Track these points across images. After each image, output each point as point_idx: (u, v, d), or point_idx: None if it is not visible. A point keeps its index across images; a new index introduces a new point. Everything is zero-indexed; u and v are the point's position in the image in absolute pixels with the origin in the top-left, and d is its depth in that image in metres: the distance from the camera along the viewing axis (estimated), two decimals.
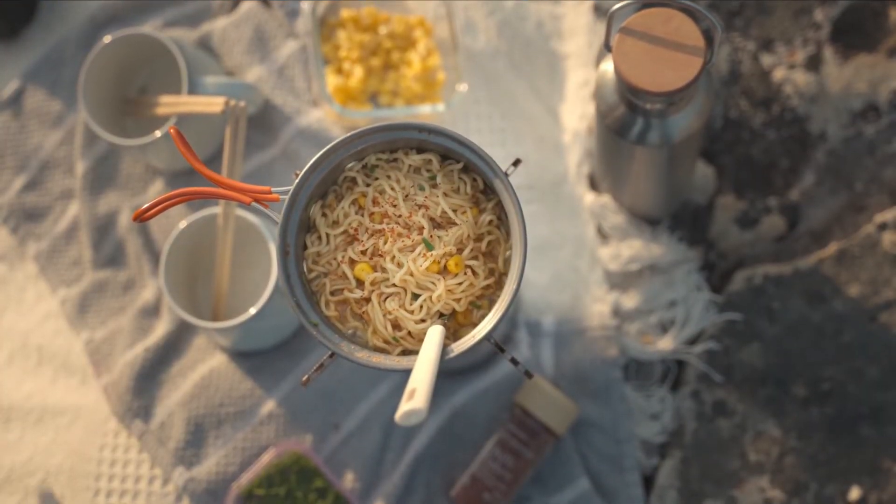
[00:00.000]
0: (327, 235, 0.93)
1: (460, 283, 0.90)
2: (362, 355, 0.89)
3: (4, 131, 1.35)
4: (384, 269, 0.91)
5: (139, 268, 1.29)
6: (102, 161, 1.32)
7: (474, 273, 0.91)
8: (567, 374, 1.23)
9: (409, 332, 0.90)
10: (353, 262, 0.92)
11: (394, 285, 0.91)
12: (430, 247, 0.91)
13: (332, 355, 0.90)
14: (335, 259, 0.92)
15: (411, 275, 0.90)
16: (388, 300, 0.91)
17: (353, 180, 0.94)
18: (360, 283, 0.92)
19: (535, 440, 1.17)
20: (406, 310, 0.90)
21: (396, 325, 0.91)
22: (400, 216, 0.92)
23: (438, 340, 0.86)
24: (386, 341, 0.91)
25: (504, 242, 0.93)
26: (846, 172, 1.27)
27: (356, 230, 0.92)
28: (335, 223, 0.93)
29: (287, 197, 0.90)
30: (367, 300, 0.91)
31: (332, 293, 0.93)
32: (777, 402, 1.20)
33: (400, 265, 0.91)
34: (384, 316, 0.91)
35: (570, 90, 1.32)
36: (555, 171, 1.30)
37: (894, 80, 1.27)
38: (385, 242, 0.91)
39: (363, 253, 0.92)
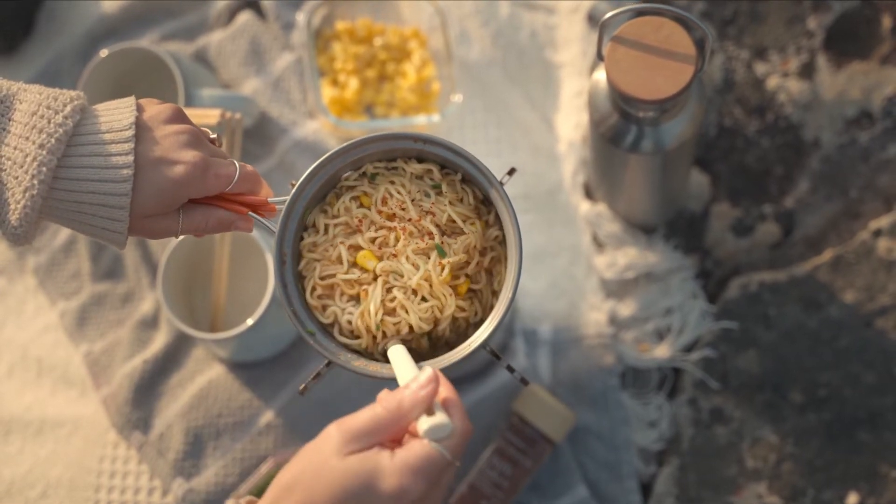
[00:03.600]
0: (326, 226, 0.93)
1: (464, 311, 0.91)
2: (359, 364, 0.89)
3: None
4: (395, 266, 0.91)
5: (137, 280, 1.30)
6: None
7: (479, 299, 0.92)
8: (564, 381, 1.23)
9: (409, 326, 0.90)
10: (355, 249, 0.92)
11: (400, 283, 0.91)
12: (442, 253, 0.91)
13: (328, 364, 0.90)
14: (332, 246, 0.92)
15: (428, 281, 0.90)
16: (393, 289, 0.91)
17: (353, 188, 0.95)
18: (356, 267, 0.92)
19: (532, 448, 1.17)
20: (413, 304, 0.90)
21: (390, 312, 0.91)
22: (409, 219, 0.92)
23: (405, 355, 0.87)
24: (367, 328, 0.91)
25: (504, 262, 0.94)
26: (841, 179, 1.27)
27: (360, 221, 0.92)
28: (334, 216, 0.94)
29: (284, 207, 0.91)
30: (371, 281, 0.92)
31: (321, 277, 0.93)
32: (774, 409, 1.21)
33: (416, 267, 0.91)
34: (382, 301, 0.91)
35: (564, 99, 1.32)
36: (550, 180, 1.30)
37: (888, 87, 1.28)
38: (397, 241, 0.92)
39: (372, 241, 0.92)
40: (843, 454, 1.19)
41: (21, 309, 1.33)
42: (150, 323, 1.29)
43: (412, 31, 1.34)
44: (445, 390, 0.80)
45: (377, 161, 0.95)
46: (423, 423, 0.76)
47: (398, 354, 0.86)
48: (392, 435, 0.78)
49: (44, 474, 1.25)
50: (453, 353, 0.89)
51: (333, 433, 0.77)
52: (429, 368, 0.79)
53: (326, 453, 0.76)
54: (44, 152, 0.81)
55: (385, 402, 0.78)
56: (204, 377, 1.26)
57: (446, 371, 0.88)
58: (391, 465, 0.75)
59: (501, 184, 0.90)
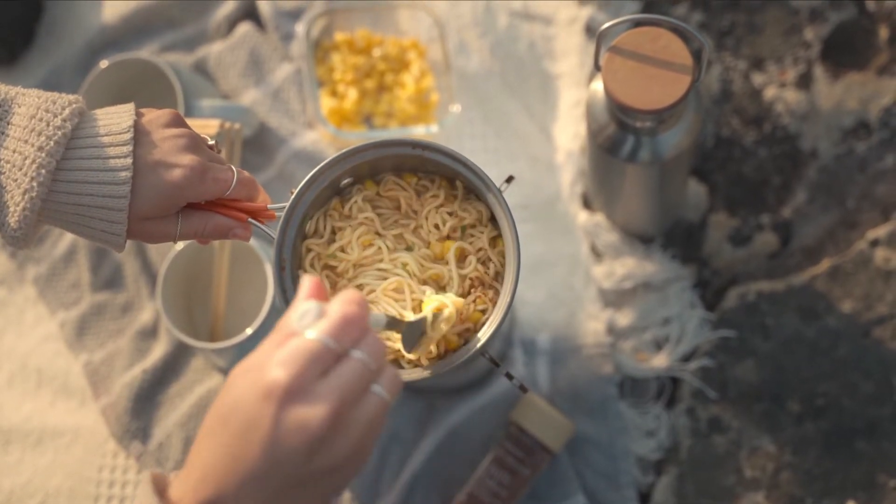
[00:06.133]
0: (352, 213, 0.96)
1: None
2: None
3: None
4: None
5: (137, 290, 1.30)
6: None
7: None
8: (562, 391, 1.23)
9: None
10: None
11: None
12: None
13: None
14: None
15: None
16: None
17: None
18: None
19: (531, 457, 1.17)
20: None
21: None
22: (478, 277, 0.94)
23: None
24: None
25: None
26: (838, 189, 1.27)
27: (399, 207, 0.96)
28: (347, 217, 0.96)
29: (283, 214, 0.92)
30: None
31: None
32: (772, 418, 1.21)
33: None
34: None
35: (562, 110, 1.33)
36: (548, 190, 1.30)
37: (884, 98, 1.28)
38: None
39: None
40: (841, 463, 1.19)
41: (21, 319, 1.33)
42: (150, 333, 1.29)
43: (411, 42, 1.34)
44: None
45: (390, 169, 0.96)
46: (293, 317, 0.70)
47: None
48: None
49: (43, 484, 1.25)
50: (451, 358, 0.89)
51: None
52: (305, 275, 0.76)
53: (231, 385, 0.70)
54: (43, 154, 0.82)
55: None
56: (203, 387, 1.26)
57: (446, 380, 0.88)
58: (258, 363, 0.68)
59: (500, 190, 0.91)
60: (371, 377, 0.69)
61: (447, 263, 0.93)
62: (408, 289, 0.91)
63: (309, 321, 0.69)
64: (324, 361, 0.67)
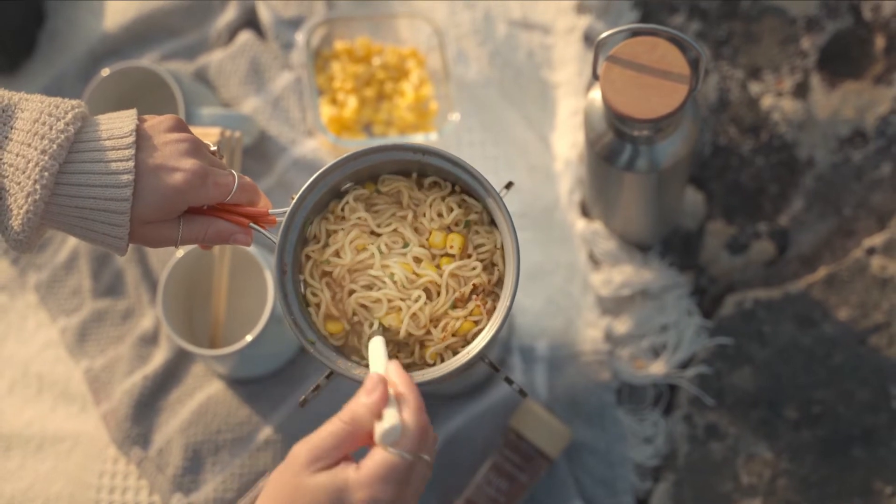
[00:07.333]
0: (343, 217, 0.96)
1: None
2: (359, 372, 0.90)
3: None
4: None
5: (138, 297, 1.31)
6: None
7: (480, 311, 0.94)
8: (560, 398, 1.24)
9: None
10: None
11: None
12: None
13: (328, 375, 0.91)
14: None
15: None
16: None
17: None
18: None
19: (529, 464, 1.18)
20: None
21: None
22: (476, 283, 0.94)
23: (383, 350, 0.88)
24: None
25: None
26: (834, 197, 1.28)
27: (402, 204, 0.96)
28: (343, 218, 0.96)
29: (284, 218, 0.92)
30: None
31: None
32: (769, 425, 1.21)
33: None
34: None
35: (561, 118, 1.33)
36: (547, 198, 1.31)
37: (881, 107, 1.29)
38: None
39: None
40: (837, 471, 1.19)
41: (22, 325, 1.33)
42: (150, 339, 1.29)
43: (410, 51, 1.35)
44: (401, 385, 0.82)
45: (390, 173, 0.96)
46: (377, 431, 0.78)
47: (374, 349, 0.88)
48: (356, 445, 0.80)
49: (44, 490, 1.25)
50: (450, 363, 0.89)
51: (301, 453, 0.79)
52: (374, 374, 0.82)
53: (297, 473, 0.78)
54: (46, 157, 0.82)
55: (342, 414, 0.80)
56: (203, 393, 1.26)
57: (445, 386, 0.88)
58: (357, 478, 0.77)
59: (500, 195, 0.91)
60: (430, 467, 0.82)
61: (446, 255, 0.93)
62: (386, 302, 0.92)
63: (394, 438, 0.78)
64: (409, 472, 0.79)
